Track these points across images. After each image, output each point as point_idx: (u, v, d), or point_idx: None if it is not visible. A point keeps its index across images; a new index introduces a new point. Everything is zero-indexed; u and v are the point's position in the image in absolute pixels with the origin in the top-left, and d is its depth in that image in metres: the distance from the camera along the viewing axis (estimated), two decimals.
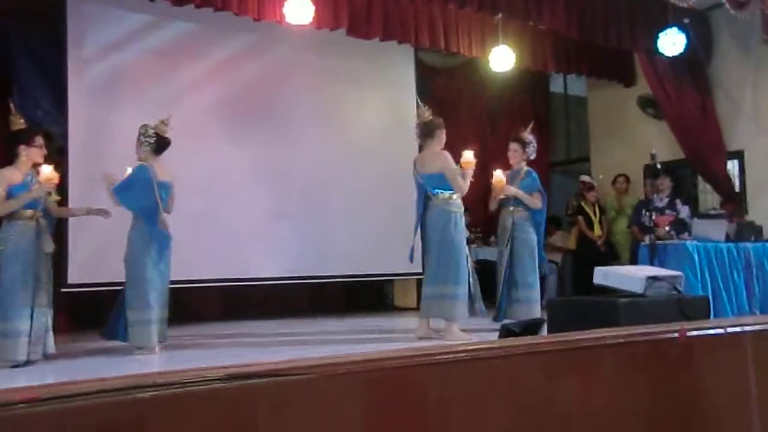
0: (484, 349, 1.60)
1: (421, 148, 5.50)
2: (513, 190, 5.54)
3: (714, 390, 1.99)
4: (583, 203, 8.14)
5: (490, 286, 8.70)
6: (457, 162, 5.03)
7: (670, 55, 7.01)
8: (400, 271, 7.89)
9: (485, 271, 8.59)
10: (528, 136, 5.78)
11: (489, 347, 1.64)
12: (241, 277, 7.03)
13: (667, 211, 6.79)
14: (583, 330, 1.91)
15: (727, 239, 6.07)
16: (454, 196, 5.04)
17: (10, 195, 4.33)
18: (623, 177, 8.22)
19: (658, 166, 6.19)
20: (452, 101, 9.35)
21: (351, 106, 7.85)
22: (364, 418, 1.40)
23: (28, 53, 6.53)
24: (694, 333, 2.02)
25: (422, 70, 8.62)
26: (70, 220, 5.84)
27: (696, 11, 7.28)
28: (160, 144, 4.88)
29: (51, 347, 4.37)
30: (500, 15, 6.68)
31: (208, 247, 6.68)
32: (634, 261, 6.54)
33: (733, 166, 7.72)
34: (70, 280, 6.09)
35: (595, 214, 8.03)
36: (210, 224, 6.73)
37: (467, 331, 5.02)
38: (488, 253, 8.77)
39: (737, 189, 7.66)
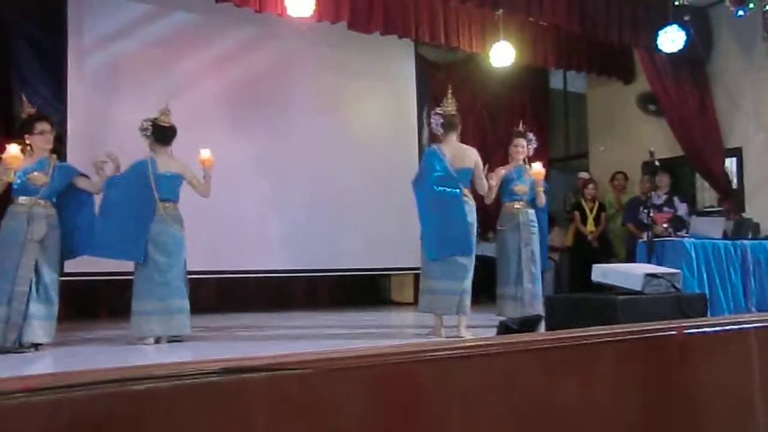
0: (482, 346, 1.60)
1: (430, 140, 5.41)
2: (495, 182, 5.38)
3: (712, 387, 1.99)
4: (581, 199, 8.14)
5: (489, 282, 8.72)
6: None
7: (670, 52, 7.01)
8: (396, 266, 7.89)
9: (483, 267, 8.62)
10: (529, 133, 5.80)
11: (487, 344, 1.63)
12: (237, 269, 7.02)
13: (665, 209, 6.79)
14: (582, 327, 1.91)
15: (725, 236, 6.08)
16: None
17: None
18: (621, 174, 8.22)
19: (657, 163, 6.19)
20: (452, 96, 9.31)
21: (351, 100, 7.84)
22: (361, 414, 1.39)
23: (27, 42, 6.51)
24: (692, 330, 2.01)
25: (422, 65, 8.61)
26: None
27: (696, 8, 7.27)
28: (160, 133, 4.83)
29: (37, 337, 4.29)
30: (501, 10, 6.66)
31: (205, 239, 6.66)
32: (630, 258, 6.55)
33: (731, 163, 7.73)
34: (66, 269, 6.06)
35: (591, 210, 8.03)
36: (207, 216, 6.70)
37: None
38: (486, 249, 8.78)
39: (735, 186, 7.68)
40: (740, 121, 7.65)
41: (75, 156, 6.09)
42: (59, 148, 6.15)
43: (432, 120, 5.12)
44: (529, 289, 5.37)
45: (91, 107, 6.31)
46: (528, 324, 3.47)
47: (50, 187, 4.44)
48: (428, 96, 9.14)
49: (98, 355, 4.28)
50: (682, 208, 6.90)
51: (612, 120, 8.93)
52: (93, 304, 6.82)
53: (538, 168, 5.56)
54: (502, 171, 5.56)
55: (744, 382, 2.04)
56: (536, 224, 5.57)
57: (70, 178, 4.61)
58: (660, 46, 6.97)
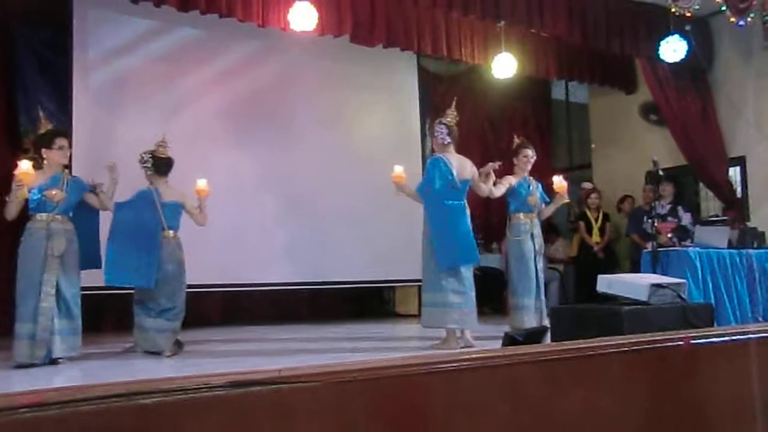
0: (488, 358, 1.60)
1: (433, 151, 5.37)
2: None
3: (719, 398, 1.98)
4: (585, 209, 8.13)
5: (494, 293, 8.70)
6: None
7: (672, 61, 7.03)
8: (401, 278, 7.88)
9: (487, 278, 8.60)
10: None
11: (493, 355, 1.63)
12: (242, 282, 7.03)
13: (669, 218, 6.78)
14: (587, 338, 1.91)
15: (730, 246, 6.05)
16: None
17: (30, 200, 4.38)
18: (631, 198, 8.21)
19: (660, 172, 6.18)
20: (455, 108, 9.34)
21: (354, 113, 7.87)
22: (367, 427, 1.39)
23: (33, 56, 6.58)
24: (699, 341, 2.01)
25: (425, 77, 8.65)
26: None
27: (697, 18, 7.30)
28: (160, 165, 4.97)
29: (61, 351, 4.35)
30: (503, 22, 6.70)
31: (209, 252, 6.67)
32: (635, 268, 6.53)
33: (734, 172, 7.72)
34: None
35: (596, 219, 8.02)
36: (212, 229, 6.72)
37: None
38: (489, 261, 8.77)
39: (739, 195, 7.66)
40: (743, 130, 7.65)
41: (80, 169, 6.10)
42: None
43: (437, 129, 5.08)
44: (544, 300, 5.43)
45: (96, 122, 6.35)
46: (533, 335, 3.47)
47: (67, 202, 4.48)
48: (431, 108, 9.17)
49: (104, 369, 4.28)
50: (686, 218, 6.88)
51: (615, 130, 8.94)
52: (99, 317, 6.82)
53: (560, 182, 5.50)
54: (513, 180, 5.52)
55: (750, 391, 2.03)
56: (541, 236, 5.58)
57: (82, 193, 4.66)
58: (662, 56, 6.99)
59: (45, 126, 4.62)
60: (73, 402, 1.13)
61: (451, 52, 7.05)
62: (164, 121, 6.38)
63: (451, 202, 4.89)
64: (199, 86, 6.95)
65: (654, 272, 5.36)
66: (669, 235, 6.32)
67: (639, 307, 3.59)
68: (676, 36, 6.88)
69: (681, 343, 1.94)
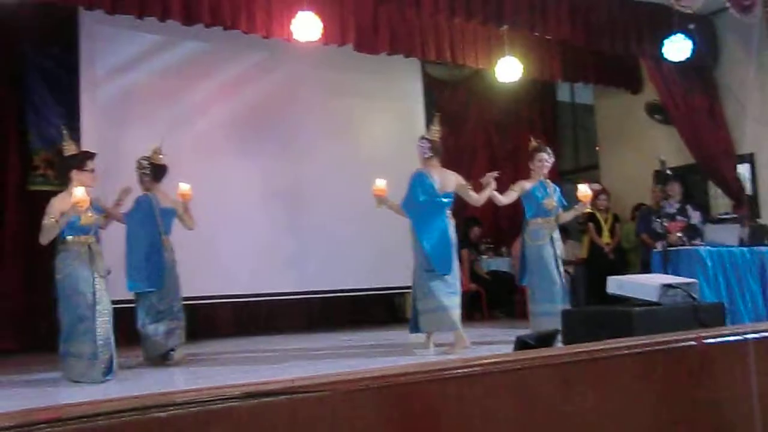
0: (500, 362, 1.60)
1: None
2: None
3: (734, 397, 1.97)
4: (595, 211, 8.10)
5: (503, 296, 8.67)
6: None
7: (676, 60, 7.01)
8: (410, 285, 7.87)
9: (498, 282, 8.59)
10: (547, 147, 5.68)
11: (505, 360, 1.63)
12: (252, 292, 7.05)
13: (678, 217, 6.74)
14: (599, 340, 1.90)
15: (741, 243, 6.02)
16: None
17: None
18: (645, 206, 8.17)
19: (668, 171, 6.16)
20: (459, 113, 9.37)
21: (360, 120, 7.90)
22: None
23: (40, 73, 6.66)
24: (711, 340, 2.00)
25: (429, 82, 8.67)
26: None
27: (701, 16, 7.28)
28: (157, 172, 5.11)
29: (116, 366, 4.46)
30: (506, 26, 6.70)
31: (220, 263, 6.71)
32: (645, 268, 6.50)
33: (743, 169, 7.68)
34: None
35: (606, 221, 7.99)
36: (222, 240, 6.77)
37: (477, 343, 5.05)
38: (500, 264, 8.76)
39: (749, 192, 7.61)
40: (751, 127, 7.61)
41: None
42: None
43: (419, 144, 5.28)
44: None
45: (104, 137, 6.40)
46: (545, 339, 3.45)
47: (96, 224, 4.57)
48: (436, 113, 9.18)
49: (113, 384, 4.30)
50: (695, 217, 6.84)
51: (621, 130, 8.92)
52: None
53: (585, 190, 5.38)
54: (526, 185, 5.49)
55: (766, 390, 2.02)
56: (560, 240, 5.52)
57: (100, 216, 4.73)
58: (666, 55, 6.97)
59: (69, 146, 4.60)
60: (90, 417, 1.14)
61: (455, 58, 7.06)
62: (171, 134, 6.41)
63: (434, 214, 5.13)
64: (205, 99, 7.00)
65: (665, 272, 5.34)
66: (679, 235, 6.28)
67: (650, 308, 3.58)
68: (680, 35, 6.85)
69: (693, 343, 1.94)
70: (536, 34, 6.88)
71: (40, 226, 4.40)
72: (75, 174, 4.48)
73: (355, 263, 7.42)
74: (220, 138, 6.99)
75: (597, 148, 9.43)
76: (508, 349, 3.58)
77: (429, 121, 8.43)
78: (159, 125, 6.46)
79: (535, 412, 1.61)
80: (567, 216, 5.60)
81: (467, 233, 8.45)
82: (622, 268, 7.45)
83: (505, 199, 5.46)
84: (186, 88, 6.92)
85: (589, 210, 5.78)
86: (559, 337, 3.78)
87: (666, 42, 6.91)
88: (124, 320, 6.10)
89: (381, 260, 7.50)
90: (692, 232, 6.40)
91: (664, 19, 7.02)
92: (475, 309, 8.41)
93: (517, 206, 5.95)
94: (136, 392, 3.94)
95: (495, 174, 5.32)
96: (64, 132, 4.72)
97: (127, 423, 1.17)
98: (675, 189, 6.92)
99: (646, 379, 1.82)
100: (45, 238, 4.38)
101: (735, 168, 7.62)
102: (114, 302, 4.88)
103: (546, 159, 5.53)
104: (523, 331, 4.01)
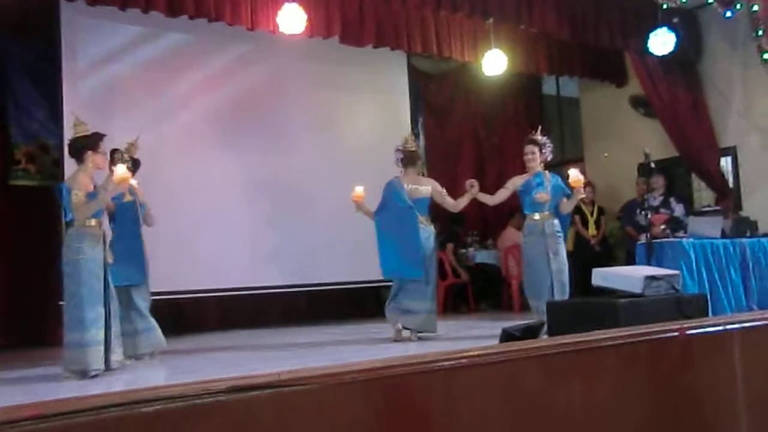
0: (485, 354, 1.61)
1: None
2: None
3: (716, 387, 2.00)
4: (580, 203, 8.14)
5: (492, 289, 8.72)
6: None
7: (661, 54, 7.05)
8: None
9: (485, 274, 8.64)
10: (542, 137, 5.61)
11: (490, 352, 1.64)
12: (237, 286, 7.02)
13: (662, 210, 6.81)
14: (584, 331, 1.92)
15: (723, 235, 6.09)
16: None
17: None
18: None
19: (652, 164, 6.20)
20: (445, 106, 9.38)
21: (345, 113, 7.87)
22: (368, 427, 1.40)
23: (22, 65, 6.56)
24: (694, 331, 2.03)
25: (415, 75, 8.66)
26: None
27: (685, 10, 7.33)
28: (136, 165, 5.02)
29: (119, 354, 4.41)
30: (491, 19, 6.71)
31: (205, 257, 6.67)
32: (630, 260, 6.56)
33: (726, 162, 7.76)
34: None
35: (591, 213, 8.04)
36: (206, 233, 6.73)
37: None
38: (485, 256, 8.80)
39: (731, 185, 7.70)
40: (733, 120, 7.69)
41: None
42: (56, 171, 6.19)
43: (395, 155, 5.61)
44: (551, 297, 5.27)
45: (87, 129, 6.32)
46: (530, 330, 3.48)
47: (103, 208, 4.48)
48: (422, 106, 9.18)
49: (97, 380, 4.26)
50: (678, 209, 6.91)
51: (606, 123, 8.97)
52: None
53: (575, 175, 5.27)
54: (518, 181, 5.50)
55: (745, 380, 2.05)
56: (562, 234, 5.39)
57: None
58: (650, 49, 7.02)
59: (80, 125, 4.42)
60: (75, 413, 1.13)
61: (441, 50, 7.06)
62: (155, 127, 6.36)
63: (402, 221, 5.40)
64: (189, 91, 6.93)
65: (649, 264, 5.39)
66: (662, 227, 6.34)
67: (634, 299, 3.62)
68: (665, 28, 6.90)
69: (676, 334, 1.96)
70: (522, 27, 6.90)
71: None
72: (90, 155, 4.34)
73: (341, 256, 7.40)
74: (204, 130, 6.94)
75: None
76: (494, 341, 3.61)
77: (415, 113, 8.45)
78: (142, 118, 6.39)
79: (520, 403, 1.62)
80: (568, 205, 5.51)
81: (453, 229, 8.49)
82: (608, 261, 7.51)
83: (495, 199, 5.51)
84: (170, 80, 6.85)
85: (583, 195, 5.79)
86: (545, 329, 3.81)
87: (650, 36, 6.96)
88: None
89: (367, 253, 7.47)
90: (675, 225, 6.47)
91: (648, 13, 7.07)
92: (462, 301, 8.45)
93: None
94: (120, 388, 3.93)
95: (473, 182, 5.53)
96: (74, 114, 4.57)
97: (112, 418, 1.16)
98: (659, 182, 6.99)
99: (630, 369, 1.84)
100: (85, 214, 4.21)
101: (718, 161, 7.71)
102: None
103: (531, 151, 5.49)
104: (508, 323, 4.03)
